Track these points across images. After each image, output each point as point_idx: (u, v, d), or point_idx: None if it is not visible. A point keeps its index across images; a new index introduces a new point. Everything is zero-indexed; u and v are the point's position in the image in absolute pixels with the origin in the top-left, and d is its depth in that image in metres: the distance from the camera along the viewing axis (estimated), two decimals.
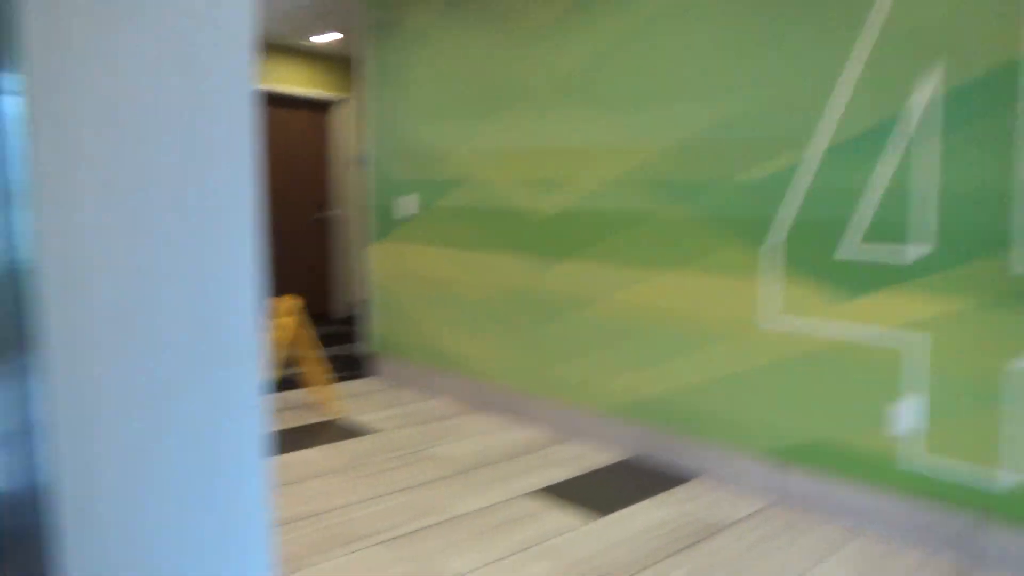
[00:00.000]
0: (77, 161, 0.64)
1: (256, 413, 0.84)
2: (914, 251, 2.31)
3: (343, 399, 3.84)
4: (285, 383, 4.14)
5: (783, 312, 2.62)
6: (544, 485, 2.76)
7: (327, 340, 5.36)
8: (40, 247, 0.63)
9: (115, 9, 0.64)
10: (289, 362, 4.58)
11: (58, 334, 0.64)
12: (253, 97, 0.74)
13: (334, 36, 5.38)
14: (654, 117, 2.95)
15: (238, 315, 0.75)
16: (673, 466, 2.96)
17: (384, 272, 4.22)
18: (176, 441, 0.73)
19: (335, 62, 6.11)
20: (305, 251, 6.28)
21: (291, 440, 3.17)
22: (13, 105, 0.60)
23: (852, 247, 2.45)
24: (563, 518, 2.47)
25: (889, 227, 2.36)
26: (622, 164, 3.07)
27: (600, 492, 2.71)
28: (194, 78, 0.69)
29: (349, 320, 6.30)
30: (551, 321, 3.39)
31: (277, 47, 5.70)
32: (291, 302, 3.44)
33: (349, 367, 4.56)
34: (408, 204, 3.99)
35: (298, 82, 5.89)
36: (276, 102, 5.90)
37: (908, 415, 2.33)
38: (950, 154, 2.24)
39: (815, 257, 2.53)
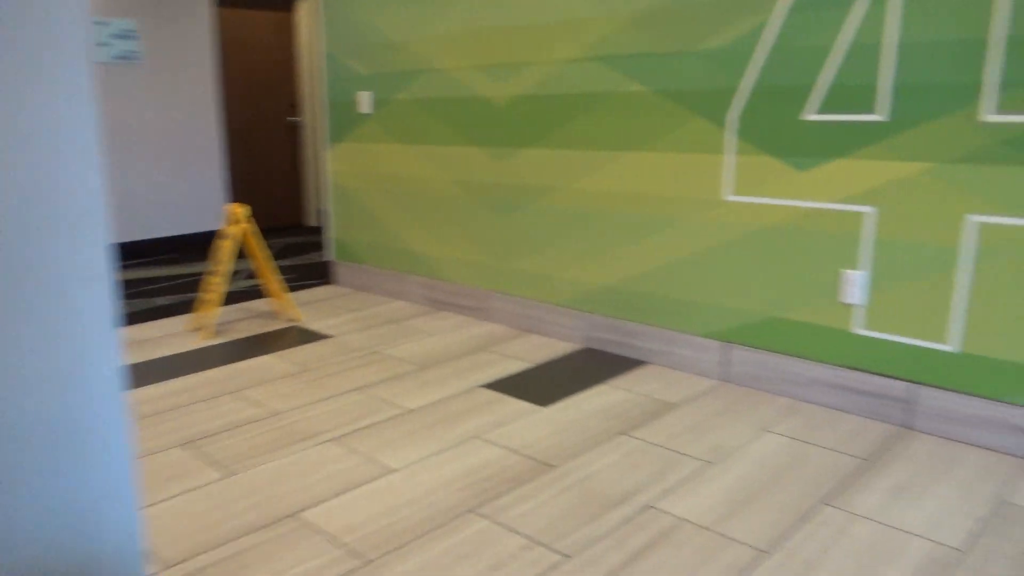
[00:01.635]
0: None
1: (104, 287, 0.78)
2: (876, 114, 2.22)
3: (302, 306, 3.79)
4: (245, 293, 4.08)
5: (743, 187, 2.55)
6: (498, 377, 2.75)
7: (296, 249, 5.28)
8: None
9: None
10: (250, 272, 4.51)
11: None
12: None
13: None
14: None
15: (80, 187, 0.68)
16: (628, 352, 2.95)
17: (343, 175, 4.09)
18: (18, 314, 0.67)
19: None
20: (278, 158, 6.11)
21: (248, 347, 3.13)
22: None
23: (814, 114, 2.35)
24: (515, 406, 2.47)
25: (851, 90, 2.26)
26: (580, 40, 2.92)
27: (553, 381, 2.71)
28: None
29: (319, 229, 6.20)
30: (512, 214, 3.31)
31: None
32: (239, 210, 3.34)
33: (312, 275, 4.50)
34: (364, 101, 3.83)
35: None
36: (237, 1, 5.61)
37: (859, 285, 2.30)
38: (914, 4, 2.12)
39: (776, 127, 2.44)
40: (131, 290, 4.20)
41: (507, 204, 3.30)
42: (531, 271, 3.27)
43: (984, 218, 2.05)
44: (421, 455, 2.13)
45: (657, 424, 2.32)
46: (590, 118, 2.94)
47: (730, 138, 2.54)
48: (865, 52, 2.20)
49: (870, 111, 2.22)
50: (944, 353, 2.17)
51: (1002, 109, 1.99)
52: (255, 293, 4.11)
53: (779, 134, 2.42)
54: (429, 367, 2.87)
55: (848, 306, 2.34)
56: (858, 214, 2.28)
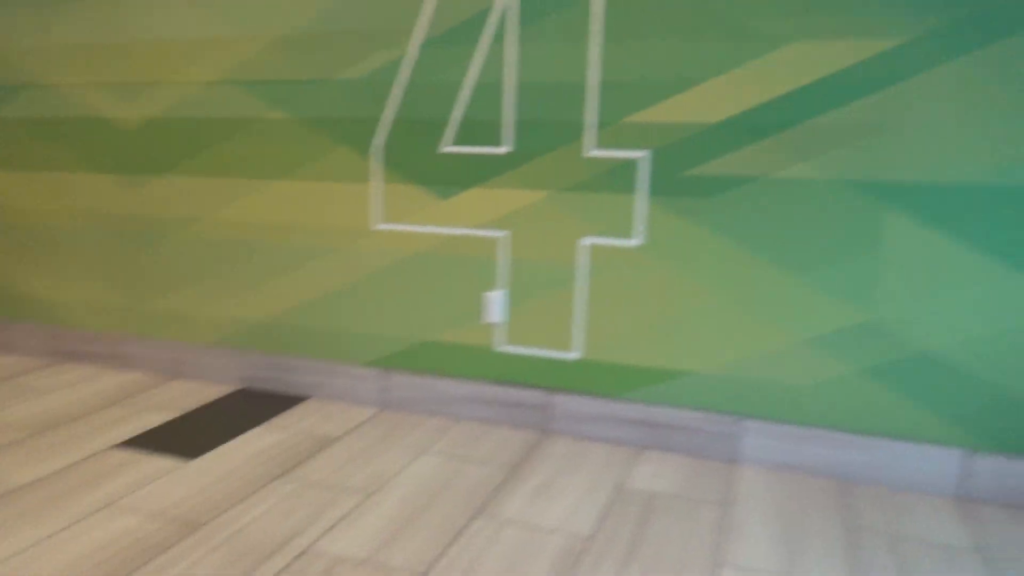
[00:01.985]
0: None
1: None
2: (503, 147, 2.41)
3: None
4: None
5: (390, 215, 2.59)
6: (136, 434, 2.44)
7: None
8: None
9: None
10: None
11: None
12: None
13: None
14: (252, 7, 2.65)
15: None
16: (287, 389, 2.83)
17: None
18: None
19: None
20: None
21: None
22: None
23: (451, 146, 2.47)
24: (157, 464, 2.21)
25: (480, 125, 2.42)
26: (219, 62, 2.73)
27: (202, 430, 2.48)
28: None
29: None
30: (149, 248, 2.98)
31: None
32: None
33: None
34: None
35: None
36: None
37: (498, 305, 2.48)
38: (529, 48, 2.34)
39: (418, 157, 2.52)
40: None
41: (143, 237, 2.97)
42: (175, 310, 2.98)
43: (593, 239, 2.35)
44: (36, 538, 1.79)
45: (315, 462, 2.25)
46: (233, 144, 2.78)
47: (376, 168, 2.58)
48: (490, 90, 2.39)
49: (498, 144, 2.41)
50: (571, 361, 2.44)
51: (599, 145, 2.30)
52: None
53: (421, 164, 2.52)
54: (46, 432, 2.45)
55: (491, 325, 2.51)
56: (494, 239, 2.46)
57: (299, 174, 2.70)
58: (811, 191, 2.11)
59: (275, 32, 2.64)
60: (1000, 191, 1.96)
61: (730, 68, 2.13)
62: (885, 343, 2.10)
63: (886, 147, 2.03)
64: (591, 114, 2.29)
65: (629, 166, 2.28)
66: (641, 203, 2.28)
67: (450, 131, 2.47)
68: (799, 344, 2.18)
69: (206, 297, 2.92)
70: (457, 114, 2.45)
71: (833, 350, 2.15)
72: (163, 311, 3.00)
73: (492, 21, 2.37)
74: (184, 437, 2.41)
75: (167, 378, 3.00)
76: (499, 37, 2.37)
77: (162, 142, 2.89)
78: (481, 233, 2.48)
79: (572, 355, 2.43)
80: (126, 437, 2.41)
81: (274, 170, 2.74)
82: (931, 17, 1.95)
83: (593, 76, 2.27)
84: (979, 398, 2.05)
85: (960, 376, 2.05)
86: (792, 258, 2.15)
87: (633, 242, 2.30)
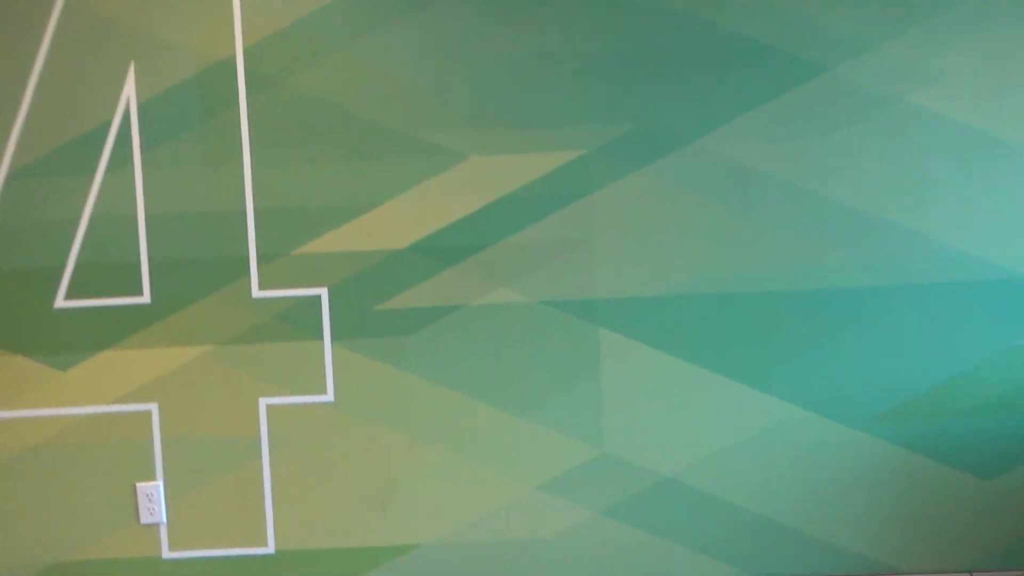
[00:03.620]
0: None
1: None
2: (140, 296, 1.85)
3: None
4: None
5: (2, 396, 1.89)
6: None
7: None
8: None
9: None
10: None
11: None
12: None
13: None
14: None
15: None
16: None
17: None
18: None
19: None
20: None
21: None
22: None
23: (63, 301, 1.86)
24: None
25: (108, 269, 1.84)
26: None
27: None
28: None
29: None
30: None
31: None
32: None
33: None
34: None
35: None
36: None
37: (157, 499, 1.88)
38: (157, 173, 1.83)
39: (26, 318, 1.87)
40: None
41: None
42: None
43: (272, 400, 1.86)
44: None
45: None
46: None
47: None
48: (118, 225, 1.84)
49: (135, 293, 1.85)
50: (268, 556, 1.90)
51: (264, 285, 1.84)
52: None
53: (31, 327, 1.87)
54: None
55: (152, 526, 1.90)
56: (141, 413, 1.88)
57: None
58: (518, 316, 1.83)
59: None
60: (702, 301, 1.82)
61: (409, 187, 1.81)
62: (620, 476, 1.85)
63: (585, 262, 1.81)
64: (250, 247, 1.84)
65: (306, 306, 1.84)
66: (325, 349, 1.85)
67: (67, 280, 1.86)
68: (532, 492, 1.86)
69: None
70: (74, 258, 1.86)
71: (569, 493, 1.86)
72: None
73: (109, 143, 1.84)
74: None
75: None
76: (121, 161, 1.84)
77: None
78: (122, 408, 1.88)
79: (267, 550, 1.90)
80: None
81: None
82: (610, 128, 1.79)
83: (247, 202, 1.83)
84: (724, 521, 1.87)
85: (701, 500, 1.86)
86: (511, 396, 1.84)
87: (324, 398, 1.86)
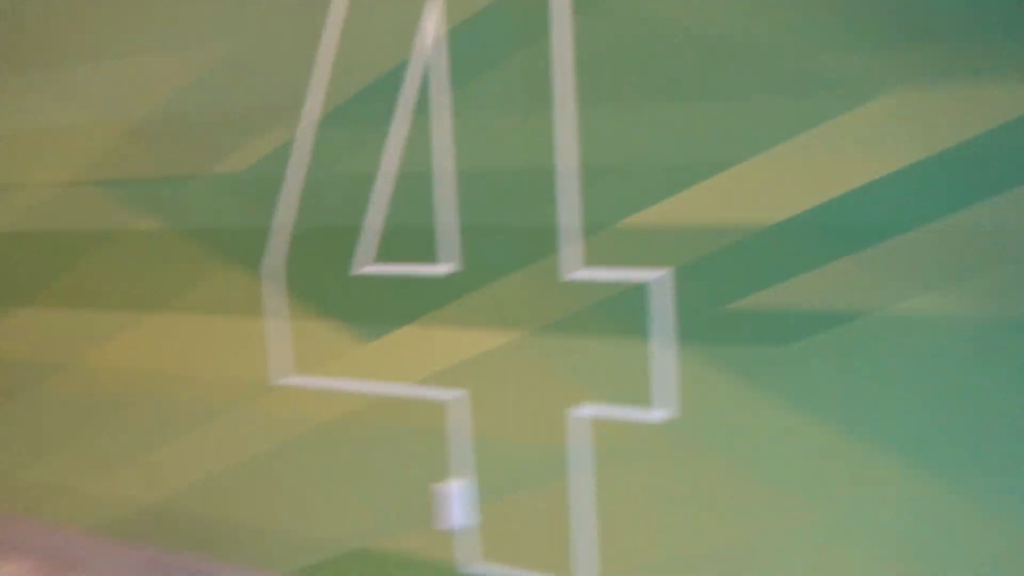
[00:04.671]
0: None
1: None
2: (441, 266, 1.58)
3: None
4: None
5: (297, 364, 1.78)
6: None
7: None
8: None
9: None
10: None
11: None
12: None
13: None
14: (113, 77, 1.89)
15: None
16: None
17: None
18: None
19: None
20: None
21: None
22: None
23: (368, 265, 1.66)
24: None
25: (409, 232, 1.60)
26: (78, 154, 1.98)
27: None
28: None
29: None
30: (7, 403, 2.25)
31: None
32: None
33: None
34: None
35: None
36: None
37: (456, 504, 1.64)
38: (464, 119, 1.52)
39: (325, 282, 1.71)
40: None
41: None
42: (46, 483, 2.22)
43: (592, 409, 1.48)
44: None
45: None
46: (96, 265, 2.02)
47: (271, 296, 1.78)
48: (417, 182, 1.56)
49: (435, 260, 1.58)
50: None
51: (586, 262, 1.44)
52: None
53: (331, 291, 1.70)
54: None
55: (450, 532, 1.66)
56: (442, 402, 1.62)
57: (177, 304, 1.92)
58: (949, 336, 1.21)
59: (132, 114, 1.87)
60: None
61: (788, 137, 1.26)
62: None
63: None
64: (570, 215, 1.44)
65: (635, 294, 1.42)
66: (663, 352, 1.41)
67: (367, 243, 1.64)
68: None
69: (81, 467, 2.15)
70: (374, 219, 1.63)
71: None
72: (33, 483, 2.24)
73: (412, 80, 1.54)
74: None
75: (57, 570, 2.25)
76: (423, 105, 1.54)
77: (14, 263, 2.15)
78: (423, 393, 1.64)
79: None
80: None
81: (149, 299, 1.96)
82: None
83: (568, 157, 1.42)
84: None
85: None
86: (930, 449, 1.26)
87: (655, 414, 1.44)
